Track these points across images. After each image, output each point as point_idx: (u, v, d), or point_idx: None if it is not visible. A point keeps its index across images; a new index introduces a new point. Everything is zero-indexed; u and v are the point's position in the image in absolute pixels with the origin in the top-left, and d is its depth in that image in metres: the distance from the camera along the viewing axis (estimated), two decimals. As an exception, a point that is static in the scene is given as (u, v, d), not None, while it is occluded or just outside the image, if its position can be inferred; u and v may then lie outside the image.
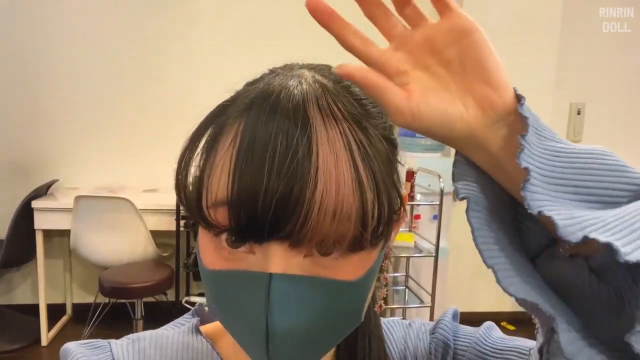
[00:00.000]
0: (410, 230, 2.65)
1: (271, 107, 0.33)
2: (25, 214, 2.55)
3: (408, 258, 2.63)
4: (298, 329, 0.33)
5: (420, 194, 2.52)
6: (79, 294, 3.12)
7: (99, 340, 0.45)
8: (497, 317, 3.15)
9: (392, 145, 0.38)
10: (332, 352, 0.46)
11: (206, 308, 0.51)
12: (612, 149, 0.33)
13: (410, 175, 2.43)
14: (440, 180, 2.35)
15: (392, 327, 0.53)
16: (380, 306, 0.46)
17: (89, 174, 2.96)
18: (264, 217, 0.31)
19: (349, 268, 0.34)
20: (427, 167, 2.51)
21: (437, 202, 2.37)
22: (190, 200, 0.34)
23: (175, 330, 0.48)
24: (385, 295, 0.46)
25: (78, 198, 2.43)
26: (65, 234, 2.70)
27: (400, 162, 0.39)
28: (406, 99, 0.32)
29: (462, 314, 0.47)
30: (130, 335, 0.47)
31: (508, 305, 3.22)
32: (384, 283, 0.45)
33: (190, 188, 0.35)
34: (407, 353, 0.50)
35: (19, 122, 2.92)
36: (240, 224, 0.32)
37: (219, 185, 0.32)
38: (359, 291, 0.36)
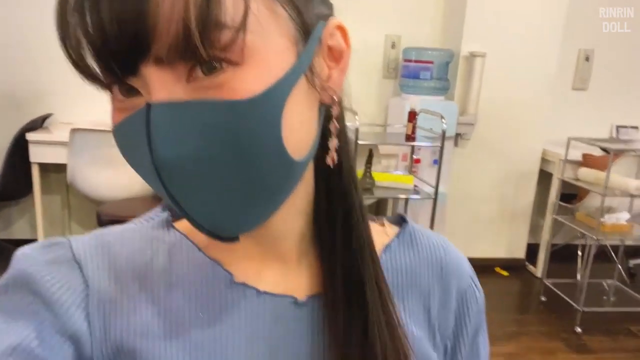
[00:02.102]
0: (410, 173, 2.64)
1: None
2: (20, 147, 2.52)
3: (406, 200, 2.62)
4: (188, 159, 0.31)
5: (422, 136, 2.48)
6: (77, 230, 3.14)
7: (59, 237, 0.43)
8: (491, 263, 3.21)
9: None
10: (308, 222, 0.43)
11: None
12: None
13: (412, 115, 2.38)
14: (443, 121, 2.31)
15: (425, 235, 0.50)
16: (333, 159, 0.41)
17: (84, 109, 2.89)
18: (118, 44, 0.29)
19: (241, 85, 0.30)
20: (429, 109, 2.47)
21: (439, 144, 2.34)
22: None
23: (144, 225, 0.45)
24: (336, 147, 0.41)
25: (74, 131, 2.39)
26: (62, 169, 2.68)
27: None
28: None
29: None
30: (95, 231, 0.44)
31: (502, 251, 3.26)
32: (335, 132, 0.40)
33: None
34: (439, 272, 0.48)
35: (11, 54, 2.83)
36: (103, 60, 0.30)
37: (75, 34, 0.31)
38: (260, 114, 0.31)
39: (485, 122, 2.98)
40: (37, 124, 2.69)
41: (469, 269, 0.50)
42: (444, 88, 2.86)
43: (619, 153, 2.59)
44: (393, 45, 3.07)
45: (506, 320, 2.58)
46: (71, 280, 0.40)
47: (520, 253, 3.29)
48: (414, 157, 2.73)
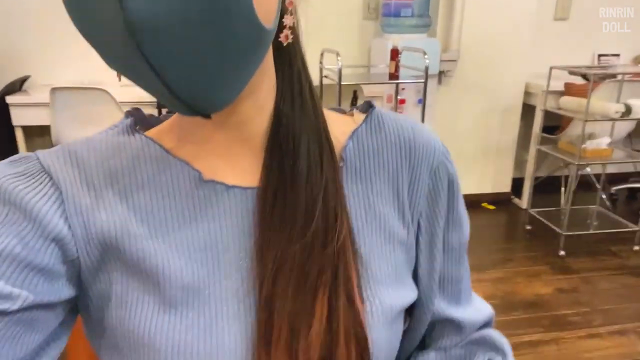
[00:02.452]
0: (394, 114, 2.65)
1: None
2: (1, 111, 2.48)
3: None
4: (162, 17, 0.29)
5: (406, 76, 2.48)
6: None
7: (25, 153, 0.43)
8: (478, 199, 3.29)
9: None
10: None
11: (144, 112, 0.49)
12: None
13: (395, 53, 2.37)
14: (425, 57, 2.30)
15: (392, 119, 0.50)
16: (287, 36, 0.42)
17: (63, 70, 2.84)
18: None
19: None
20: (412, 47, 2.45)
21: (422, 81, 2.35)
22: None
23: (109, 133, 0.46)
24: (292, 25, 0.42)
25: (53, 90, 2.36)
26: (46, 132, 2.66)
27: None
28: None
29: None
30: (61, 144, 0.45)
31: (488, 187, 3.34)
32: (290, 10, 0.41)
33: None
34: (407, 152, 0.49)
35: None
36: None
37: None
38: None
39: (468, 58, 2.97)
40: (16, 87, 2.64)
41: (440, 147, 0.50)
42: (425, 25, 2.83)
43: (599, 80, 2.62)
44: (372, -16, 3.01)
45: (493, 250, 2.68)
46: (44, 188, 0.40)
47: (505, 187, 3.37)
48: (399, 97, 2.74)
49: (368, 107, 0.51)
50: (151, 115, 0.49)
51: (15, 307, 0.36)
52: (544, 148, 2.74)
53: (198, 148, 0.45)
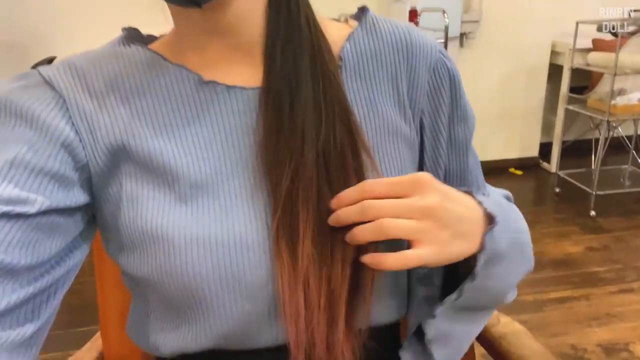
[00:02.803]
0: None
1: None
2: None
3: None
4: None
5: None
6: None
7: (30, 70, 0.44)
8: (505, 164, 3.23)
9: None
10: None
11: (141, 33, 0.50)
12: None
13: (413, 14, 2.33)
14: (445, 16, 2.25)
15: (386, 21, 0.50)
16: None
17: (87, 49, 2.90)
18: None
19: None
20: (431, 7, 2.40)
21: (442, 41, 2.30)
22: None
23: (105, 46, 0.47)
24: None
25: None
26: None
27: None
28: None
29: None
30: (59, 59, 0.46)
31: (515, 152, 3.27)
32: None
33: None
34: (404, 52, 0.49)
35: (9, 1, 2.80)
36: None
37: None
38: None
39: (491, 18, 2.89)
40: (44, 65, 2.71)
41: (436, 45, 0.51)
42: (445, -14, 2.76)
43: (627, 35, 2.51)
44: (389, -53, 2.94)
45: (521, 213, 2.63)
46: (47, 98, 0.42)
47: (533, 151, 3.29)
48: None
49: (361, 13, 0.51)
50: (150, 36, 0.50)
51: (33, 210, 0.37)
52: (572, 107, 2.66)
53: (195, 57, 0.46)
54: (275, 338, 0.44)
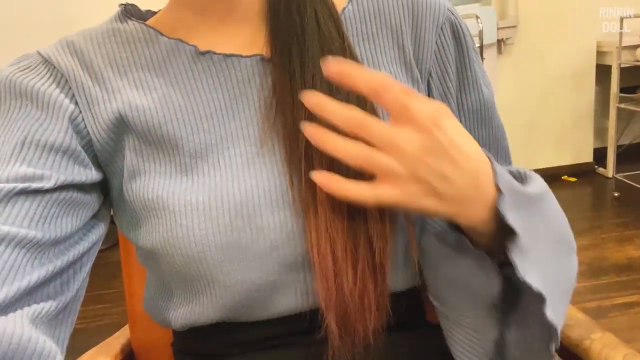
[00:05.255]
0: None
1: None
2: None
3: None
4: None
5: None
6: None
7: (27, 53, 0.45)
8: (557, 172, 3.08)
9: None
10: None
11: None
12: None
13: (446, 22, 2.31)
14: (479, 21, 2.23)
15: None
16: None
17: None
18: None
19: None
20: (464, 13, 2.38)
21: (477, 45, 2.26)
22: None
23: (101, 23, 0.47)
24: None
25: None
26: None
27: None
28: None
29: None
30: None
31: (567, 158, 3.12)
32: None
33: None
34: (410, 10, 0.48)
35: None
36: None
37: None
38: None
39: (529, 22, 2.82)
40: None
41: (445, 3, 0.49)
42: (478, -6, 2.74)
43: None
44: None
45: (577, 219, 2.49)
46: (49, 76, 0.43)
47: (587, 157, 3.13)
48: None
49: None
50: (148, 11, 0.51)
51: (49, 185, 0.38)
52: (624, 105, 2.52)
53: (194, 24, 0.46)
54: (280, 312, 0.43)
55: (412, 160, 0.35)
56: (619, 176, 2.65)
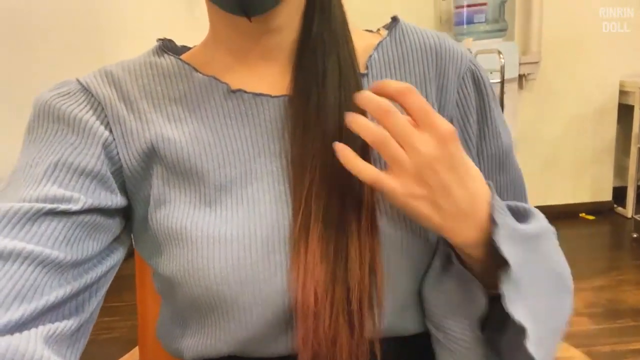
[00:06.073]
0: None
1: None
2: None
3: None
4: None
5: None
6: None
7: (67, 79, 0.47)
8: (575, 209, 3.04)
9: None
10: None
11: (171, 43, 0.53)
12: None
13: (468, 56, 2.33)
14: (501, 56, 2.24)
15: (416, 28, 0.51)
16: None
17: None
18: None
19: None
20: (486, 49, 2.40)
21: (498, 81, 2.28)
22: None
23: (140, 56, 0.49)
24: None
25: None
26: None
27: None
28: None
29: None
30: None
31: (586, 196, 3.08)
32: None
33: None
34: (434, 59, 0.49)
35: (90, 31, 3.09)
36: None
37: None
38: None
39: (551, 59, 2.83)
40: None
41: (467, 53, 0.51)
42: (501, 29, 2.76)
43: None
44: (443, -4, 3.02)
45: (594, 259, 2.45)
46: (86, 103, 0.45)
47: (606, 195, 3.08)
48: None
49: (393, 22, 0.52)
50: (184, 46, 0.54)
51: (76, 208, 0.40)
52: (645, 146, 2.49)
53: (227, 61, 0.48)
54: (290, 347, 0.44)
55: (422, 161, 0.37)
56: (639, 217, 2.61)
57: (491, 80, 2.13)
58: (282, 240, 0.43)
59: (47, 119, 0.44)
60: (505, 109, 2.36)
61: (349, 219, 0.43)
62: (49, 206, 0.38)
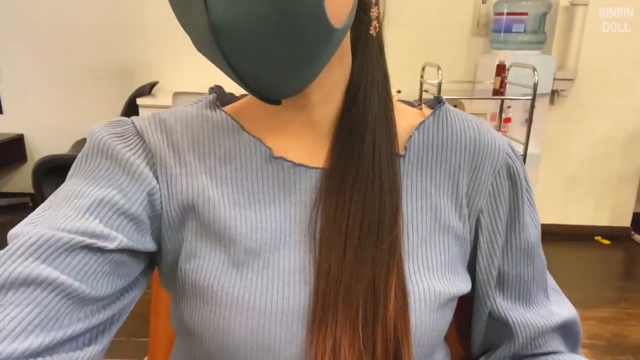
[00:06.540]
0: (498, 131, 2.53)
1: None
2: (132, 110, 2.81)
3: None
4: (240, 21, 0.35)
5: (513, 93, 2.37)
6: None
7: (121, 117, 0.49)
8: (591, 231, 3.00)
9: None
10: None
11: (225, 90, 0.53)
12: None
13: (501, 69, 2.28)
14: (535, 73, 2.18)
15: (459, 115, 0.51)
16: (375, 27, 0.46)
17: (186, 77, 3.15)
18: None
19: None
20: (521, 62, 2.34)
21: (529, 98, 2.22)
22: None
23: (194, 106, 0.50)
24: (377, 15, 0.46)
25: (176, 95, 2.63)
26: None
27: None
28: None
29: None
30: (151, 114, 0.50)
31: (604, 219, 3.03)
32: (374, 1, 0.45)
33: None
34: (471, 151, 0.49)
35: (123, 30, 3.13)
36: None
37: None
38: None
39: (588, 77, 2.75)
40: (146, 90, 2.97)
41: (505, 147, 0.50)
42: (539, 42, 2.69)
43: None
44: (484, 0, 2.93)
45: (602, 287, 2.42)
46: (139, 148, 0.46)
47: (625, 221, 3.03)
48: (504, 116, 2.62)
49: (437, 102, 0.52)
50: (231, 94, 0.54)
51: (111, 246, 0.41)
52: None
53: (269, 126, 0.49)
54: None
55: None
56: (656, 249, 2.56)
57: (523, 97, 2.09)
58: (301, 313, 0.43)
59: (100, 154, 0.45)
60: (533, 123, 2.31)
61: (376, 301, 0.43)
62: (88, 240, 0.39)
